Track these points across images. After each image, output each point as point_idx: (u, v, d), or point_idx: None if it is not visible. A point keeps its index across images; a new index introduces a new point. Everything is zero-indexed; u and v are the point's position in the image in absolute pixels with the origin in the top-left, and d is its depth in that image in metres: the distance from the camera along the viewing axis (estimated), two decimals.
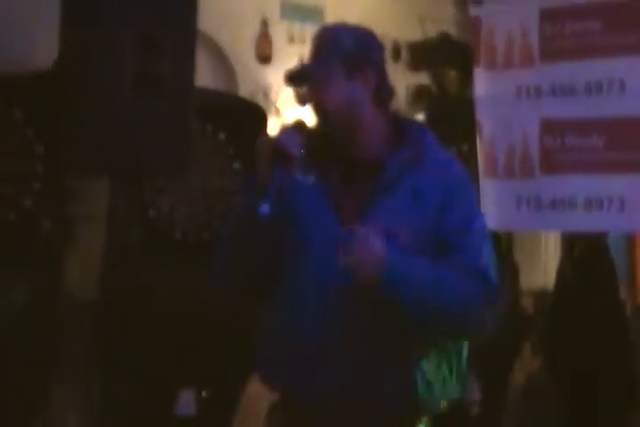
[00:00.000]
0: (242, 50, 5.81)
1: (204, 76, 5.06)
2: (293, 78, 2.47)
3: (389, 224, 2.33)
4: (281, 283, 2.42)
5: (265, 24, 5.88)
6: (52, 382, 4.19)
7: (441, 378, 2.39)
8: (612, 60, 4.25)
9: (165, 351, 4.37)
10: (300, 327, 2.37)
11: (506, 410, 5.50)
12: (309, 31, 5.67)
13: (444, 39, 6.40)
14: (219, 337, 4.48)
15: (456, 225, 2.38)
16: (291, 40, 5.95)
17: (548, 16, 4.45)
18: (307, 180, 2.43)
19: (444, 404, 2.42)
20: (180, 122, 3.90)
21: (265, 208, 2.23)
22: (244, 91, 5.76)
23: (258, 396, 2.56)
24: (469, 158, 4.69)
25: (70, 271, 4.30)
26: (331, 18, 5.82)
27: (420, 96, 6.32)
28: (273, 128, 4.90)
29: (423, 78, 6.47)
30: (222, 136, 4.89)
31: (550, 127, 4.44)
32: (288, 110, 5.60)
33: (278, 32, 5.92)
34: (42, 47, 4.24)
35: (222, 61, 5.80)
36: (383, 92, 2.49)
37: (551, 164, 4.43)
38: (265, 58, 5.86)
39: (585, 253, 5.39)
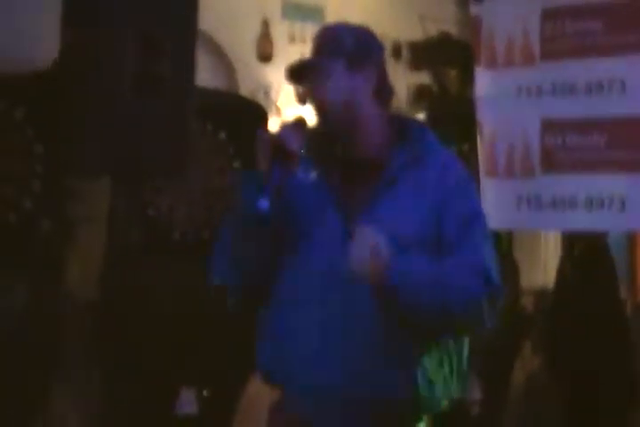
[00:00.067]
0: (242, 49, 5.82)
1: (205, 75, 5.05)
2: (294, 73, 2.47)
3: (391, 222, 2.33)
4: (281, 282, 2.42)
5: (266, 23, 5.89)
6: (51, 382, 4.19)
7: (442, 377, 2.38)
8: (613, 59, 4.25)
9: (166, 351, 4.37)
10: (301, 326, 2.36)
11: (506, 409, 5.50)
12: (310, 31, 5.67)
13: (444, 38, 6.40)
14: (219, 337, 4.49)
15: (457, 224, 2.37)
16: (291, 39, 5.96)
17: (549, 15, 4.45)
18: (307, 178, 2.43)
19: (444, 403, 2.42)
20: (179, 122, 3.90)
21: (264, 204, 2.23)
22: (244, 90, 5.77)
23: (258, 395, 2.57)
24: (470, 158, 4.69)
25: (70, 271, 4.30)
26: (331, 17, 5.82)
27: (420, 95, 6.32)
28: (274, 127, 4.91)
29: (424, 78, 6.48)
30: (222, 135, 4.90)
31: (551, 127, 4.44)
32: (289, 109, 5.60)
33: (279, 31, 5.93)
34: (42, 47, 4.24)
35: (223, 61, 5.80)
36: (383, 90, 2.49)
37: (552, 163, 4.43)
38: (266, 57, 5.87)
39: (585, 253, 5.39)
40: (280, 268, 2.41)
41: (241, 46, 5.80)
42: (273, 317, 2.44)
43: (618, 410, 5.13)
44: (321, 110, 2.44)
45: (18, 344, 4.05)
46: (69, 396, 4.24)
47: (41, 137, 4.25)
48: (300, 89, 2.57)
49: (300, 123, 2.39)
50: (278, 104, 5.79)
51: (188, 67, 3.93)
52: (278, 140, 2.31)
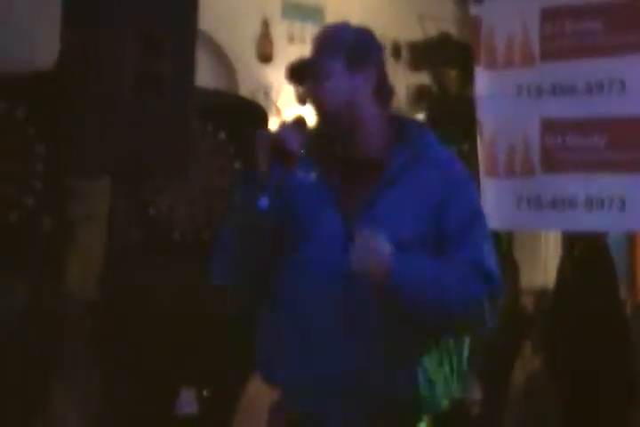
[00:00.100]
0: (242, 49, 5.82)
1: (205, 75, 5.05)
2: (294, 72, 2.47)
3: (391, 222, 2.33)
4: (281, 282, 2.42)
5: (266, 24, 5.88)
6: (51, 382, 4.19)
7: (442, 377, 2.38)
8: (613, 59, 4.25)
9: (166, 351, 4.37)
10: (301, 326, 2.37)
11: (507, 410, 5.50)
12: (310, 31, 5.68)
13: (444, 38, 6.40)
14: (219, 337, 4.49)
15: (457, 224, 2.37)
16: (291, 39, 5.96)
17: (548, 15, 4.45)
18: (307, 178, 2.43)
19: (445, 403, 2.42)
20: (180, 122, 3.90)
21: (264, 202, 2.23)
22: (244, 90, 5.76)
23: (258, 395, 2.57)
24: (470, 158, 4.69)
25: (70, 271, 4.30)
26: (331, 17, 5.82)
27: (420, 96, 6.32)
28: (274, 127, 4.91)
29: (424, 78, 6.47)
30: (223, 136, 4.90)
31: (551, 127, 4.44)
32: (289, 110, 5.60)
33: (279, 31, 5.93)
34: (42, 47, 4.24)
35: (223, 61, 5.80)
36: (383, 90, 2.49)
37: (552, 163, 4.43)
38: (266, 57, 5.86)
39: (585, 253, 5.39)
40: (280, 268, 2.41)
41: (241, 46, 5.80)
42: (273, 317, 2.44)
43: (618, 410, 5.14)
44: (321, 110, 2.45)
45: (18, 344, 4.05)
46: (69, 396, 4.24)
47: (42, 137, 4.25)
48: (300, 89, 2.56)
49: (299, 122, 2.39)
50: (278, 104, 5.79)
51: (188, 67, 3.93)
52: (278, 140, 2.31)
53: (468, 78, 5.25)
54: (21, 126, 4.27)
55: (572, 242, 5.51)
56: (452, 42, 6.36)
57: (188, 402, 4.57)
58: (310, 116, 2.45)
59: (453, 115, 5.52)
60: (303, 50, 2.57)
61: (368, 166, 2.43)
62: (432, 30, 6.45)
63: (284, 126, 2.38)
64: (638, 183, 4.17)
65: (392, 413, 2.36)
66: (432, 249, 2.35)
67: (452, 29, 6.52)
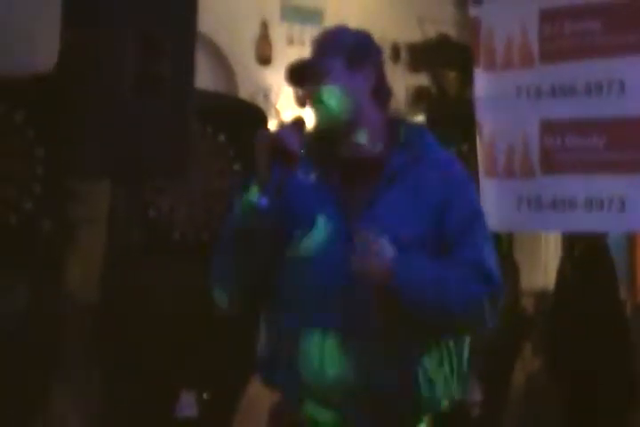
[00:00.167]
0: (242, 51, 5.82)
1: (204, 77, 5.06)
2: (294, 73, 2.47)
3: (391, 221, 2.33)
4: (281, 283, 2.42)
5: (265, 26, 5.88)
6: (52, 382, 4.19)
7: (442, 377, 2.38)
8: (612, 60, 4.25)
9: (166, 352, 4.37)
10: (301, 328, 2.36)
11: (507, 411, 5.50)
12: (309, 33, 5.69)
13: (443, 40, 6.40)
14: (219, 338, 4.48)
15: (457, 225, 2.38)
16: (290, 42, 5.96)
17: (547, 16, 4.45)
18: (307, 180, 2.43)
19: (445, 403, 2.42)
20: (180, 122, 3.90)
21: (264, 202, 2.23)
22: (243, 92, 5.77)
23: (258, 397, 2.56)
24: (469, 159, 4.69)
25: (71, 272, 4.30)
26: (330, 19, 5.82)
27: (419, 97, 6.32)
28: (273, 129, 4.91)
29: (423, 79, 6.48)
30: (222, 138, 4.90)
31: (550, 127, 4.45)
32: (288, 112, 5.60)
33: (278, 34, 5.93)
34: (42, 48, 4.24)
35: (222, 63, 5.80)
36: (382, 91, 2.50)
37: (551, 164, 4.44)
38: (265, 59, 5.87)
39: (585, 253, 5.39)
40: (280, 268, 2.41)
41: (240, 49, 5.80)
42: (273, 318, 2.44)
43: (617, 411, 5.14)
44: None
45: (18, 344, 4.05)
46: (69, 396, 4.24)
47: (41, 139, 4.25)
48: (300, 92, 2.57)
49: (299, 122, 2.39)
50: (278, 107, 5.79)
51: (188, 67, 3.93)
52: (278, 140, 2.31)
53: (467, 80, 5.25)
54: (21, 129, 4.26)
55: (572, 243, 5.51)
56: (451, 43, 6.37)
57: (187, 405, 4.57)
58: (309, 117, 2.46)
59: (453, 116, 5.52)
60: (302, 52, 2.58)
61: (368, 166, 2.43)
62: (431, 33, 6.45)
63: (283, 127, 2.38)
64: (638, 184, 4.17)
65: (392, 413, 2.35)
66: (432, 249, 2.36)
67: (452, 32, 6.52)
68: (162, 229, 4.62)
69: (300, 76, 2.48)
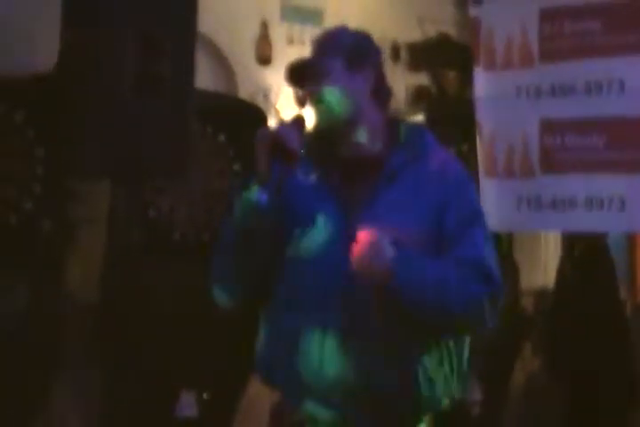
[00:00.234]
0: (242, 51, 5.82)
1: (204, 77, 5.05)
2: (294, 73, 2.48)
3: (391, 219, 2.34)
4: (281, 283, 2.42)
5: (265, 26, 5.88)
6: (52, 382, 4.19)
7: (442, 376, 2.38)
8: (612, 59, 4.26)
9: (166, 352, 4.37)
10: (301, 327, 2.37)
11: (507, 410, 5.50)
12: (309, 33, 5.69)
13: (443, 40, 6.40)
14: (219, 338, 4.48)
15: (457, 225, 2.38)
16: (290, 42, 5.96)
17: (547, 16, 4.46)
18: (307, 180, 2.43)
19: (445, 402, 2.42)
20: (180, 122, 3.89)
21: (263, 198, 2.24)
22: (243, 92, 5.76)
23: (258, 397, 2.56)
24: (469, 158, 4.70)
25: (71, 272, 4.30)
26: (330, 19, 5.83)
27: (419, 97, 6.32)
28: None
29: (423, 79, 6.48)
30: (222, 138, 4.90)
31: (550, 127, 4.45)
32: (288, 112, 5.61)
33: (278, 34, 5.93)
34: (42, 48, 4.24)
35: (222, 63, 5.80)
36: (382, 92, 2.52)
37: (551, 163, 4.44)
38: (265, 59, 5.87)
39: (585, 253, 5.39)
40: (280, 268, 2.41)
41: (240, 49, 5.80)
42: (273, 317, 2.45)
43: (618, 410, 5.14)
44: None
45: (18, 344, 4.05)
46: (69, 396, 4.23)
47: (41, 139, 4.25)
48: (300, 92, 2.59)
49: (299, 121, 2.40)
50: (277, 106, 5.79)
51: (188, 67, 3.93)
52: (278, 138, 2.31)
53: (467, 79, 5.25)
54: (21, 129, 4.26)
55: (572, 243, 5.52)
56: (451, 43, 6.37)
57: (188, 405, 4.57)
58: (309, 117, 2.46)
59: (452, 116, 5.53)
60: (302, 52, 2.59)
61: (368, 166, 2.44)
62: (431, 32, 6.45)
63: (283, 125, 2.39)
64: (638, 183, 4.17)
65: (392, 412, 2.36)
66: (431, 249, 2.36)
67: (452, 31, 6.52)
68: (162, 230, 4.62)
69: (300, 76, 2.49)
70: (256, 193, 2.26)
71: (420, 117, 5.66)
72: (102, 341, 4.22)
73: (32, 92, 4.21)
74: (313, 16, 6.04)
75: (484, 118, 4.67)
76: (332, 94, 2.43)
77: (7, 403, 3.99)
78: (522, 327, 5.57)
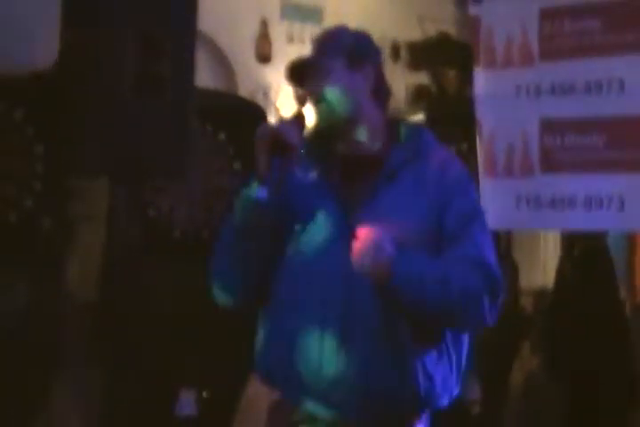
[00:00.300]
0: (241, 50, 5.82)
1: (204, 76, 5.06)
2: (295, 71, 2.48)
3: (391, 217, 2.34)
4: (281, 282, 2.42)
5: (265, 24, 5.89)
6: (51, 382, 4.19)
7: (441, 373, 2.39)
8: (612, 59, 4.25)
9: (165, 351, 4.37)
10: (300, 326, 2.37)
11: (506, 409, 5.50)
12: (309, 31, 5.70)
13: (443, 39, 6.40)
14: (219, 337, 4.48)
15: (457, 223, 2.39)
16: (290, 40, 5.96)
17: (547, 15, 4.45)
18: (307, 178, 2.44)
19: (444, 400, 2.42)
20: (180, 122, 3.89)
21: (263, 193, 2.23)
22: (243, 91, 5.77)
23: (257, 395, 2.56)
24: (469, 157, 4.69)
25: (70, 270, 4.30)
26: (330, 18, 5.83)
27: (419, 96, 6.33)
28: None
29: (423, 78, 6.48)
30: (222, 136, 4.90)
31: (550, 126, 4.44)
32: (288, 110, 5.61)
33: (278, 32, 5.93)
34: (42, 47, 4.24)
35: (222, 61, 5.81)
36: (381, 91, 2.52)
37: (551, 163, 4.44)
38: (264, 58, 5.87)
39: (585, 253, 5.39)
40: (280, 267, 2.41)
41: (240, 47, 5.80)
42: (272, 316, 2.45)
43: (617, 410, 5.14)
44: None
45: (18, 343, 4.05)
46: (69, 396, 4.24)
47: (41, 137, 4.25)
48: (300, 90, 2.59)
49: (299, 117, 2.40)
50: (277, 105, 5.79)
51: (188, 67, 3.92)
52: (278, 133, 2.32)
53: (466, 78, 5.25)
54: (21, 127, 4.26)
55: (572, 242, 5.52)
56: (450, 42, 6.37)
57: (187, 403, 4.57)
58: (309, 115, 2.46)
59: (452, 115, 5.52)
60: (302, 50, 2.59)
61: (367, 164, 2.44)
62: (431, 31, 6.46)
63: (283, 121, 2.40)
64: (637, 182, 4.17)
65: (391, 412, 2.36)
66: (431, 248, 2.37)
67: (452, 30, 6.52)
68: (162, 229, 4.62)
69: (300, 75, 2.49)
70: (256, 190, 2.26)
71: (420, 116, 5.66)
72: (102, 339, 4.22)
73: (31, 90, 4.21)
74: (313, 14, 6.05)
75: (484, 117, 4.67)
76: (333, 94, 2.43)
77: (7, 403, 3.99)
78: (521, 327, 5.57)
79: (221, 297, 2.48)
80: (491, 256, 2.40)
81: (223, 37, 5.70)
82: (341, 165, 2.45)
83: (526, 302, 5.84)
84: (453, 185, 2.43)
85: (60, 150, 4.04)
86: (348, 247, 2.27)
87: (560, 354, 5.31)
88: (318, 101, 2.45)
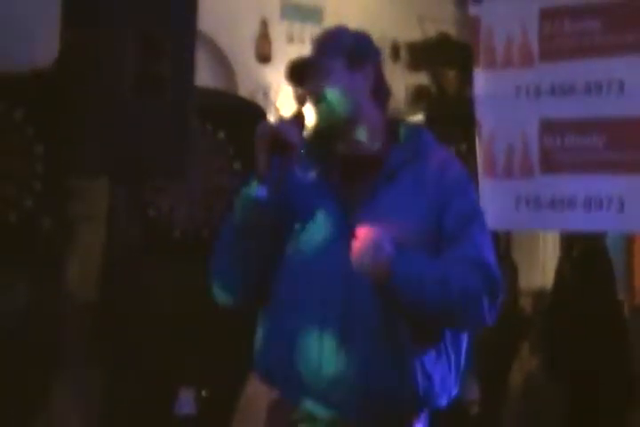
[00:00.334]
0: (241, 50, 5.82)
1: (204, 76, 5.06)
2: (295, 71, 2.48)
3: (390, 217, 2.34)
4: (280, 282, 2.42)
5: (265, 24, 5.89)
6: (51, 382, 4.19)
7: (440, 373, 2.39)
8: (612, 59, 4.25)
9: (165, 351, 4.37)
10: (300, 326, 2.37)
11: (505, 409, 5.50)
12: (309, 31, 5.70)
13: (443, 39, 6.41)
14: (218, 336, 4.48)
15: (457, 223, 2.39)
16: (290, 40, 5.97)
17: (547, 15, 4.45)
18: (306, 178, 2.44)
19: (443, 399, 2.42)
20: (180, 122, 3.89)
21: (262, 191, 2.24)
22: (243, 90, 5.77)
23: (257, 395, 2.56)
24: (468, 158, 4.69)
25: (70, 270, 4.30)
26: (330, 18, 5.83)
27: (419, 96, 6.33)
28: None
29: (422, 78, 6.48)
30: (222, 136, 4.90)
31: (549, 127, 4.44)
32: (287, 110, 5.61)
33: (278, 32, 5.94)
34: (42, 47, 4.24)
35: (222, 61, 5.81)
36: (381, 91, 2.53)
37: (550, 163, 4.44)
38: (264, 58, 5.87)
39: (584, 254, 5.39)
40: (280, 267, 2.42)
41: (240, 47, 5.81)
42: (272, 316, 2.45)
43: (616, 410, 5.14)
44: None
45: (18, 343, 4.05)
46: (69, 396, 4.24)
47: (41, 137, 4.25)
48: (300, 91, 2.59)
49: (299, 116, 2.40)
50: (277, 104, 5.80)
51: (188, 67, 3.93)
52: (278, 132, 2.32)
53: (466, 78, 5.25)
54: (21, 126, 4.26)
55: (571, 243, 5.52)
56: (450, 42, 6.37)
57: (186, 402, 4.57)
58: (309, 115, 2.46)
59: (452, 115, 5.52)
60: (302, 50, 2.60)
61: (367, 164, 2.45)
62: (431, 31, 6.46)
63: (283, 120, 2.40)
64: (637, 183, 4.17)
65: (391, 410, 2.36)
66: (431, 248, 2.37)
67: (452, 31, 6.52)
68: (162, 228, 4.62)
69: (300, 75, 2.49)
70: (255, 188, 2.27)
71: (419, 117, 5.66)
72: (102, 339, 4.22)
73: (32, 90, 4.21)
74: (313, 14, 6.05)
75: (484, 118, 4.67)
76: (333, 94, 2.43)
77: (7, 403, 3.99)
78: (520, 327, 5.57)
79: (221, 296, 2.48)
80: (490, 256, 2.40)
81: (223, 37, 5.70)
82: (341, 165, 2.46)
83: (525, 303, 5.84)
84: (453, 185, 2.43)
85: (59, 150, 4.04)
86: (348, 247, 2.27)
87: (559, 354, 5.31)
88: (318, 101, 2.45)
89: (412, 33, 6.42)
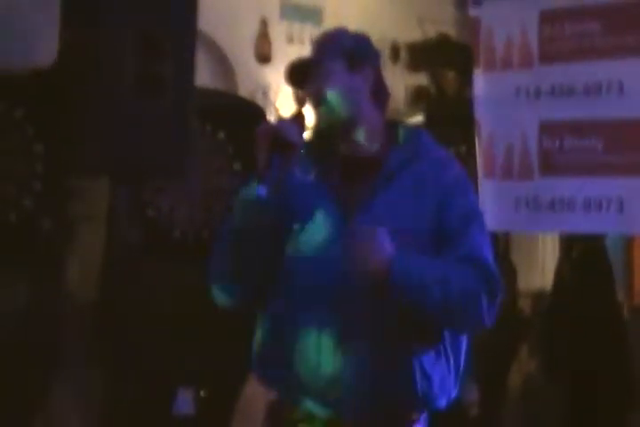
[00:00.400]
0: (241, 50, 5.82)
1: (204, 76, 5.06)
2: (294, 72, 2.49)
3: (389, 218, 2.34)
4: (280, 282, 2.42)
5: (264, 24, 5.89)
6: (51, 382, 4.19)
7: (439, 374, 2.39)
8: (611, 61, 4.25)
9: (164, 351, 4.37)
10: (299, 327, 2.37)
11: (505, 411, 5.50)
12: (309, 31, 5.70)
13: (443, 40, 6.41)
14: (217, 337, 4.48)
15: (456, 224, 2.39)
16: (290, 40, 5.97)
17: (547, 17, 4.45)
18: (306, 178, 2.44)
19: (442, 401, 2.42)
20: (180, 122, 3.90)
21: (262, 191, 2.24)
22: (243, 90, 5.77)
23: (255, 395, 2.57)
24: (468, 159, 4.69)
25: (70, 271, 4.30)
26: (330, 18, 5.84)
27: (418, 97, 6.33)
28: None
29: (422, 79, 6.48)
30: (222, 136, 4.90)
31: (549, 128, 4.44)
32: (287, 110, 5.61)
33: (277, 32, 5.94)
34: (42, 47, 4.24)
35: (222, 61, 5.81)
36: (380, 93, 2.53)
37: (550, 165, 4.44)
38: (264, 58, 5.87)
39: (583, 255, 5.39)
40: (279, 268, 2.42)
41: (240, 47, 5.81)
42: (270, 316, 2.45)
43: (616, 412, 5.14)
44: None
45: (18, 343, 4.05)
46: (69, 396, 4.24)
47: (41, 136, 4.25)
48: (300, 92, 2.60)
49: (299, 116, 2.41)
50: (277, 105, 5.80)
51: (188, 67, 3.93)
52: (278, 131, 2.32)
53: (466, 80, 5.25)
54: (21, 126, 4.26)
55: (570, 244, 5.52)
56: (450, 43, 6.37)
57: (185, 402, 4.57)
58: (309, 116, 2.47)
59: (451, 116, 5.52)
60: (302, 50, 2.60)
61: (366, 165, 2.45)
62: (431, 32, 6.46)
63: (283, 120, 2.40)
64: (636, 185, 4.17)
65: (389, 411, 2.37)
66: (430, 249, 2.37)
67: (451, 32, 6.53)
68: (162, 229, 4.62)
69: (300, 76, 2.49)
70: (255, 188, 2.27)
71: (419, 118, 5.66)
72: (101, 339, 4.22)
73: (32, 90, 4.21)
74: (312, 15, 6.05)
75: (483, 119, 4.66)
76: (333, 96, 2.43)
77: (7, 403, 3.99)
78: (519, 329, 5.57)
79: (220, 297, 2.48)
80: (489, 257, 2.40)
81: (223, 37, 5.70)
82: (341, 166, 2.46)
83: (524, 304, 5.84)
84: (452, 186, 2.44)
85: (59, 150, 4.04)
86: (348, 247, 2.27)
87: (558, 356, 5.31)
88: (318, 103, 2.45)
89: (411, 34, 6.42)
